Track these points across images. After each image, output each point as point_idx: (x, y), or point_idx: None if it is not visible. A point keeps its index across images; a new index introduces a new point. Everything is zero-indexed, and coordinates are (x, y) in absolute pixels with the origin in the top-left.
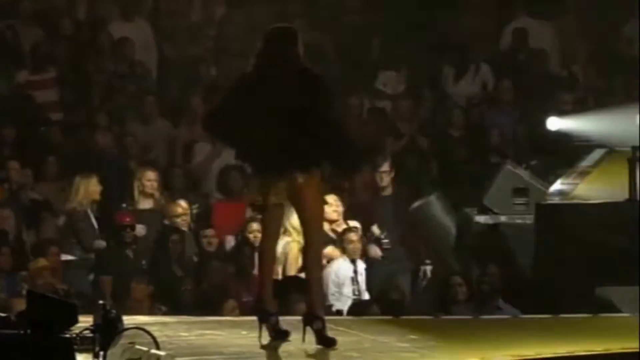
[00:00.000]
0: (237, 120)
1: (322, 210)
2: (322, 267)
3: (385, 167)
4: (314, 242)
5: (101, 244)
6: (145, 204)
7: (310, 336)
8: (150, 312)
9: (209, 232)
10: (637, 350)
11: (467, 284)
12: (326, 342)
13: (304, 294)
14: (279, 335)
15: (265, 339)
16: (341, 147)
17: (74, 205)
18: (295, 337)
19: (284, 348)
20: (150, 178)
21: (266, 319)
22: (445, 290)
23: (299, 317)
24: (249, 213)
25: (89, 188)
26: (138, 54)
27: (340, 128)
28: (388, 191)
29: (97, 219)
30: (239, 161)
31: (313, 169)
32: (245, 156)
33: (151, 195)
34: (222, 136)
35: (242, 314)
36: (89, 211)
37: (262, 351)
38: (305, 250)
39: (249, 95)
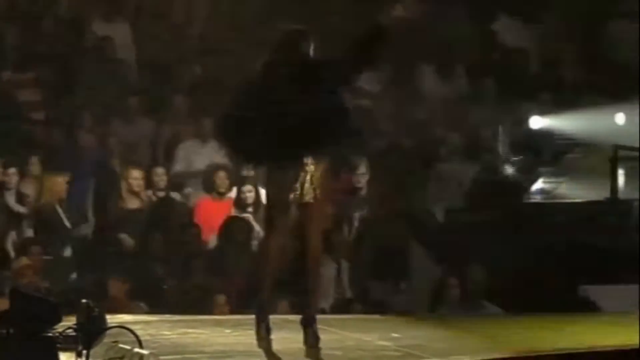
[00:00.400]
0: (251, 123)
1: (327, 214)
2: (320, 269)
3: (363, 169)
4: (317, 245)
5: (87, 229)
6: (132, 203)
7: (293, 335)
8: (130, 310)
9: (193, 229)
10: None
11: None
12: (315, 342)
13: (304, 296)
14: (268, 333)
15: (253, 337)
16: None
17: (42, 203)
18: (280, 336)
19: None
20: (136, 177)
21: (264, 317)
22: (440, 291)
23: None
24: (233, 211)
25: (55, 187)
26: (120, 53)
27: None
28: (364, 192)
29: (84, 216)
30: (252, 165)
31: (325, 153)
32: (263, 156)
33: (137, 194)
34: (239, 142)
35: (229, 312)
36: (57, 208)
37: (245, 349)
38: (307, 253)
39: (261, 97)
